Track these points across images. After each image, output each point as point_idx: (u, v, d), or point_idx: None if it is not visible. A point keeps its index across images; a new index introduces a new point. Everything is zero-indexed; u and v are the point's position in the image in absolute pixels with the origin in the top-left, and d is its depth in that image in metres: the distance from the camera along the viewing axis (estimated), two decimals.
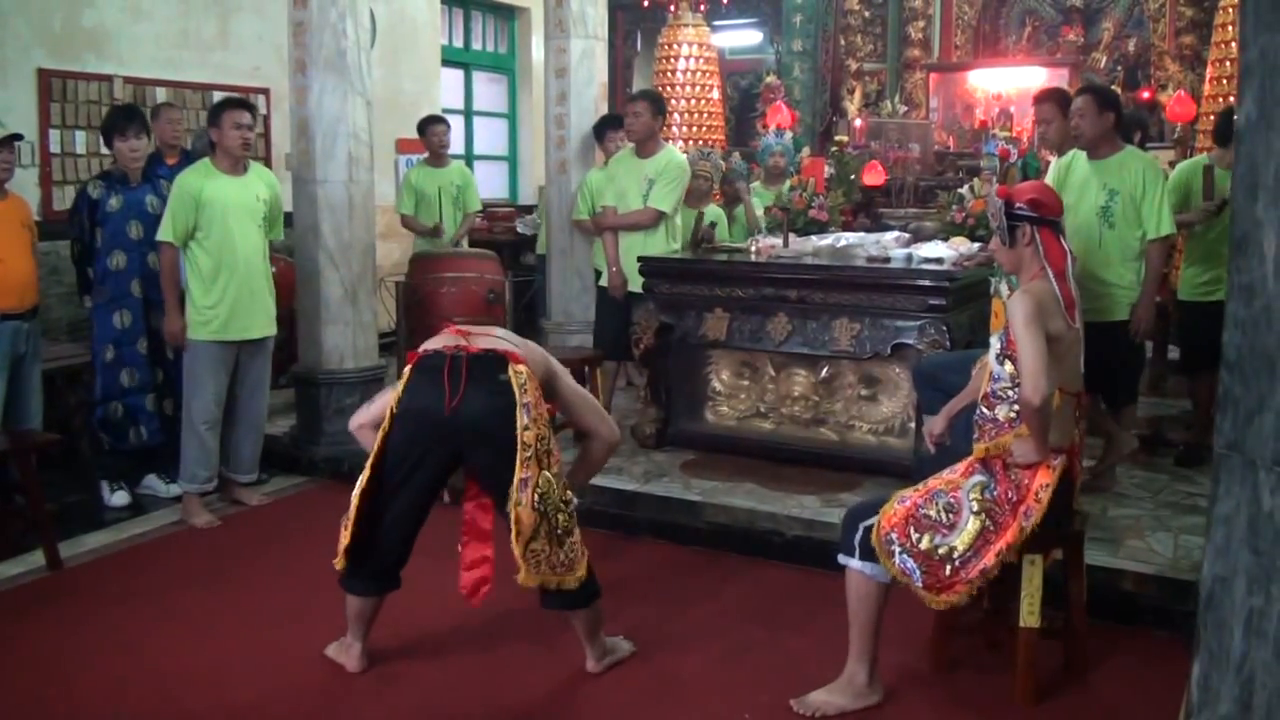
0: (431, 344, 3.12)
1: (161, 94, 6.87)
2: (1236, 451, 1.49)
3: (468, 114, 10.16)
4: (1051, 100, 4.92)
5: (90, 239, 4.92)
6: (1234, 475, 1.50)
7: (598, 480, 4.86)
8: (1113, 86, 7.60)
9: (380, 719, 3.09)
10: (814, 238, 5.56)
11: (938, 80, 10.06)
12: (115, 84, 6.69)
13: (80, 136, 6.51)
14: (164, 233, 4.63)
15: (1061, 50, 9.68)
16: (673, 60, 9.14)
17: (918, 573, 2.92)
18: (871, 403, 5.01)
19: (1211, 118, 6.61)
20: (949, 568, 2.91)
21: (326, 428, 5.40)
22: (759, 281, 5.08)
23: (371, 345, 5.57)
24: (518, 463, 2.94)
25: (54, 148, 6.41)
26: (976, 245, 5.17)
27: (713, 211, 6.28)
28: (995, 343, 3.05)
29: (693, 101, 9.08)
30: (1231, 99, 6.63)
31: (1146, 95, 8.81)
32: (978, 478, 2.99)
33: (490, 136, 10.51)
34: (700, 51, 9.14)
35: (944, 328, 4.58)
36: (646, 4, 10.21)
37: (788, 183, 6.42)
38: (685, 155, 5.97)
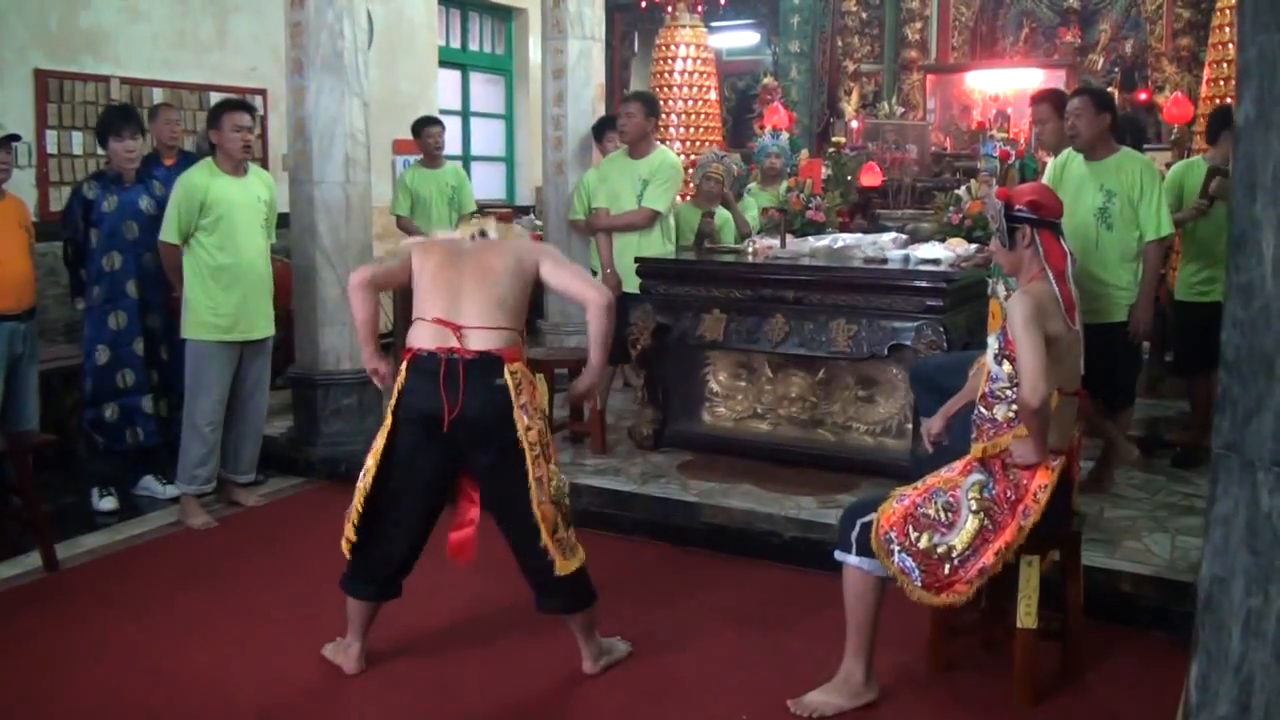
0: (423, 342, 3.08)
1: (159, 95, 6.86)
2: (1235, 452, 1.49)
3: (465, 115, 10.15)
4: (1047, 101, 4.94)
5: (85, 240, 4.90)
6: (1232, 476, 1.50)
7: (596, 481, 4.89)
8: (1109, 88, 7.59)
9: None
10: (811, 239, 5.56)
11: (935, 81, 10.06)
12: (112, 85, 6.68)
13: (77, 137, 6.50)
14: (167, 233, 4.63)
15: (1059, 52, 9.67)
16: (670, 61, 9.15)
17: (916, 572, 2.92)
18: (869, 404, 5.01)
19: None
20: (948, 566, 2.91)
21: (324, 429, 5.39)
22: (756, 282, 5.08)
23: None
24: (529, 463, 3.02)
25: (51, 148, 6.39)
26: (974, 246, 5.17)
27: (722, 214, 6.28)
28: (993, 343, 3.05)
29: (690, 103, 9.07)
30: (1229, 100, 6.63)
31: (1143, 97, 8.82)
32: (976, 476, 2.99)
33: (487, 137, 10.50)
34: (697, 53, 9.14)
35: (941, 329, 4.58)
36: (644, 5, 10.20)
37: (785, 184, 6.41)
38: (702, 156, 5.96)
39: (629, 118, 5.64)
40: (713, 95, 9.27)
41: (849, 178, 7.03)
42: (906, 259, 5.01)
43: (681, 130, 8.96)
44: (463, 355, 3.02)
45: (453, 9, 9.99)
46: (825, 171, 6.99)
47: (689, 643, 3.53)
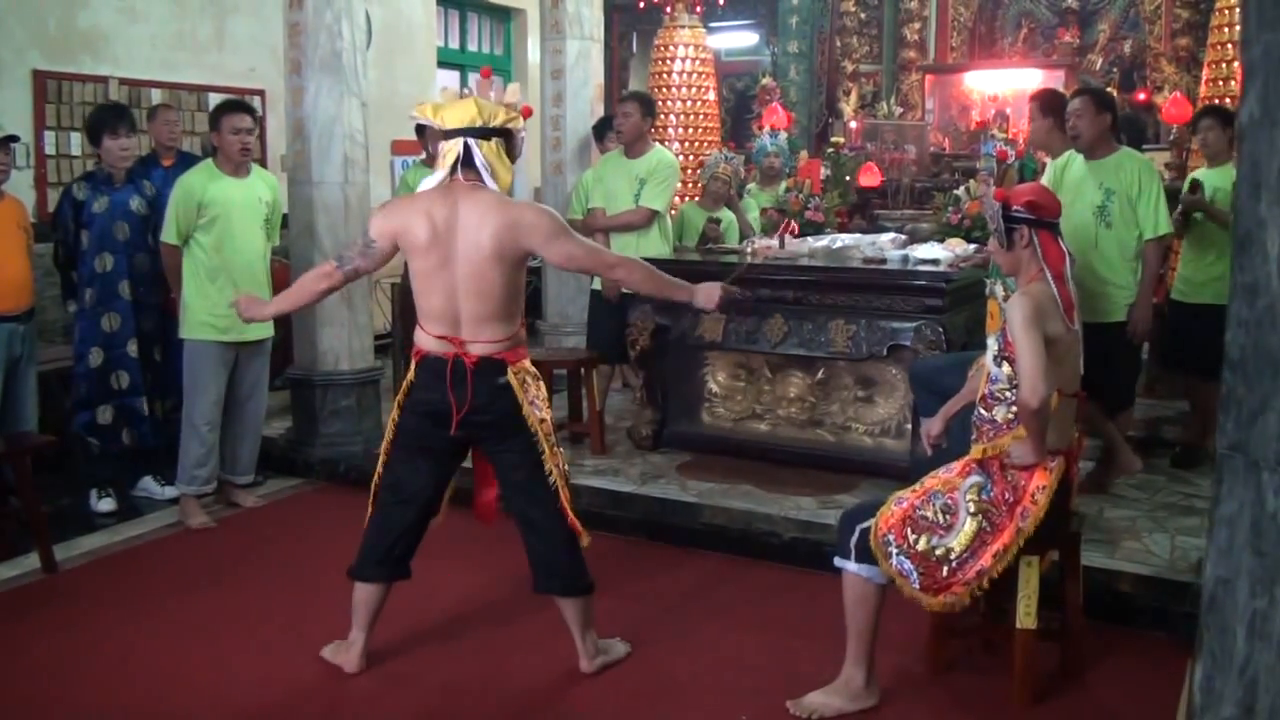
0: (430, 346, 3.14)
1: (157, 95, 6.85)
2: (1240, 452, 1.48)
3: None
4: (1035, 101, 4.91)
5: (75, 242, 4.88)
6: (1237, 476, 1.49)
7: (595, 481, 4.89)
8: (1108, 88, 7.59)
9: None
10: (810, 239, 5.56)
11: (933, 82, 10.07)
12: (111, 85, 6.67)
13: (75, 138, 6.48)
14: (167, 234, 4.63)
15: (1057, 52, 9.68)
16: (668, 62, 9.12)
17: (915, 574, 2.91)
18: (868, 404, 5.00)
19: None
20: (946, 569, 2.90)
21: (322, 429, 5.38)
22: (755, 283, 5.05)
23: (367, 347, 5.56)
24: (546, 455, 3.14)
25: (49, 149, 6.39)
26: (972, 246, 5.16)
27: (726, 215, 6.27)
28: (992, 344, 3.04)
29: (688, 103, 9.05)
30: (1228, 100, 6.63)
31: (1142, 97, 8.81)
32: (974, 478, 2.98)
33: None
34: (696, 53, 9.11)
35: (940, 329, 4.58)
36: (643, 5, 10.18)
37: (784, 184, 6.40)
38: (710, 156, 5.95)
39: (626, 117, 5.65)
40: (711, 96, 9.25)
41: (848, 178, 7.03)
42: (905, 259, 5.00)
43: (680, 131, 8.94)
44: (468, 360, 3.08)
45: (451, 9, 9.98)
46: (824, 172, 6.99)
47: (688, 643, 3.53)
